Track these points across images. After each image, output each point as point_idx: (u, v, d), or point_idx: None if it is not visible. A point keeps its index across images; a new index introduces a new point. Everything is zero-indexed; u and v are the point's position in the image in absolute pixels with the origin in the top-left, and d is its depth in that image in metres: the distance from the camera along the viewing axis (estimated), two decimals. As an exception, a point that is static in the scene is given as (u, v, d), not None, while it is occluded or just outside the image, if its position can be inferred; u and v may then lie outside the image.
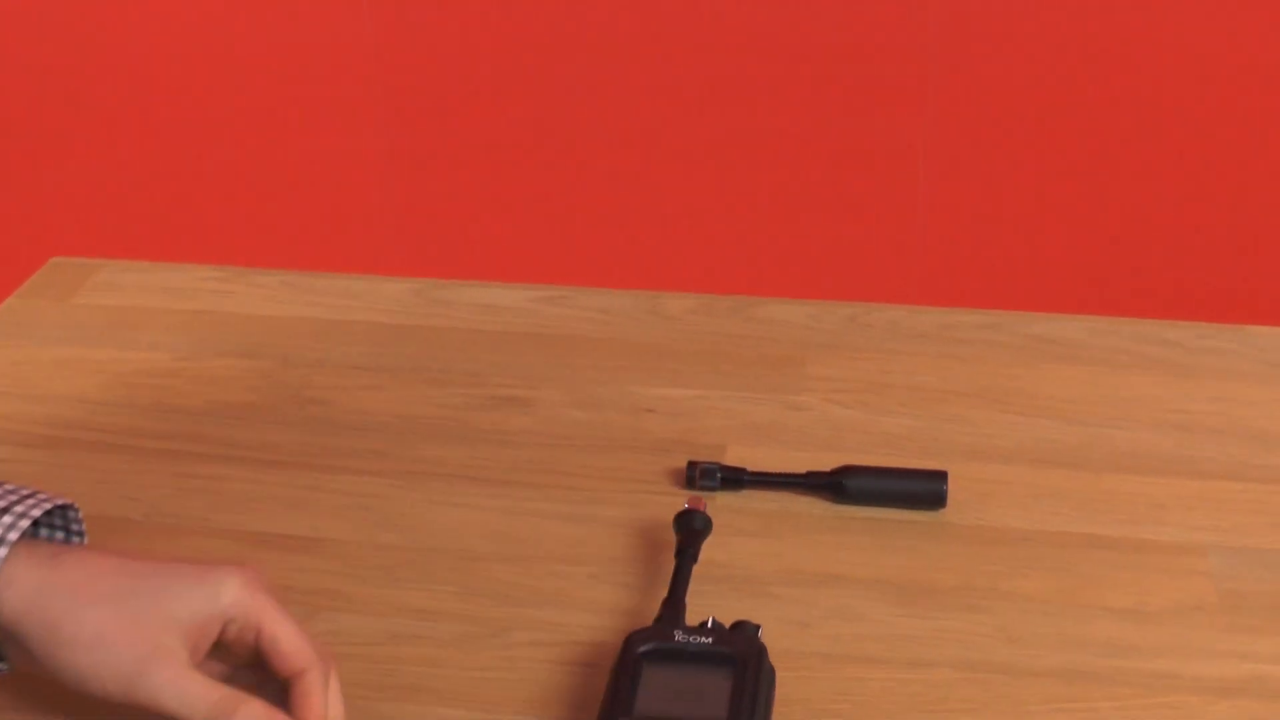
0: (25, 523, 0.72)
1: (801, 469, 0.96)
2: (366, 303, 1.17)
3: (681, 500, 0.90)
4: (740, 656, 0.76)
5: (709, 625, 0.78)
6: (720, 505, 0.93)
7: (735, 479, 0.94)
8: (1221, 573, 0.88)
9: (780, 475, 0.95)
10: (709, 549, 0.88)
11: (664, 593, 0.83)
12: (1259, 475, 0.96)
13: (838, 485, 0.93)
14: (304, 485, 0.96)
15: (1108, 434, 1.00)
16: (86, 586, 0.72)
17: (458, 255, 1.24)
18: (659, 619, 0.81)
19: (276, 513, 0.94)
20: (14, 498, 0.74)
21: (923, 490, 0.93)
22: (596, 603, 0.86)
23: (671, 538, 0.89)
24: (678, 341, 1.11)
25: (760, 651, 0.78)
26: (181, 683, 0.70)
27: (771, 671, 0.78)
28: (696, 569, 0.86)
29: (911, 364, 1.08)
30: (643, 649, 0.77)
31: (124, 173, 1.24)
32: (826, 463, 0.95)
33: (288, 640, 0.73)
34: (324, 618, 0.86)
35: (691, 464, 0.95)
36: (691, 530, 0.88)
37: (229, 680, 0.73)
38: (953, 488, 0.94)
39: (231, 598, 0.73)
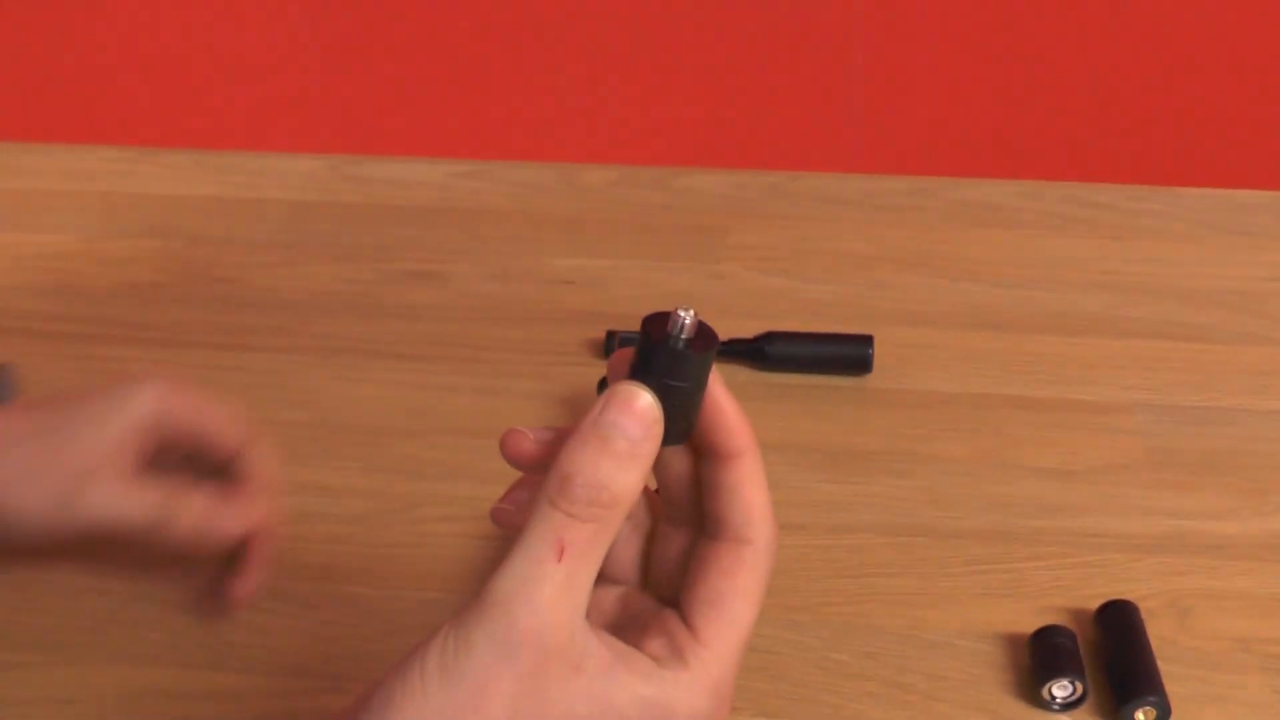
0: None
1: (724, 337, 0.93)
2: (277, 180, 1.14)
3: (601, 370, 0.88)
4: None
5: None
6: (638, 375, 0.90)
7: (653, 348, 0.92)
8: (1149, 430, 0.86)
9: (700, 343, 0.92)
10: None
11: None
12: (1189, 334, 0.94)
13: (760, 352, 0.91)
14: (210, 365, 0.93)
15: (1036, 296, 0.98)
16: (9, 460, 0.67)
17: (373, 132, 1.20)
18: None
19: (180, 392, 0.91)
20: None
21: (848, 355, 0.90)
22: (509, 474, 0.83)
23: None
24: (596, 213, 1.08)
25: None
26: (116, 494, 0.66)
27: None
28: (612, 438, 0.83)
29: (836, 230, 1.05)
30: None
31: (21, 51, 1.19)
32: (749, 330, 0.93)
33: (217, 422, 0.68)
34: (229, 498, 0.83)
35: (610, 333, 0.92)
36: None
37: None
38: (878, 352, 0.92)
39: (148, 404, 0.68)
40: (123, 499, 0.66)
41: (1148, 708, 0.68)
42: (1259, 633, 0.73)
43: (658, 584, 0.52)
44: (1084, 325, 0.95)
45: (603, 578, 0.50)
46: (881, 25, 1.10)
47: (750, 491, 0.49)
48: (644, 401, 0.46)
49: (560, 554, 0.45)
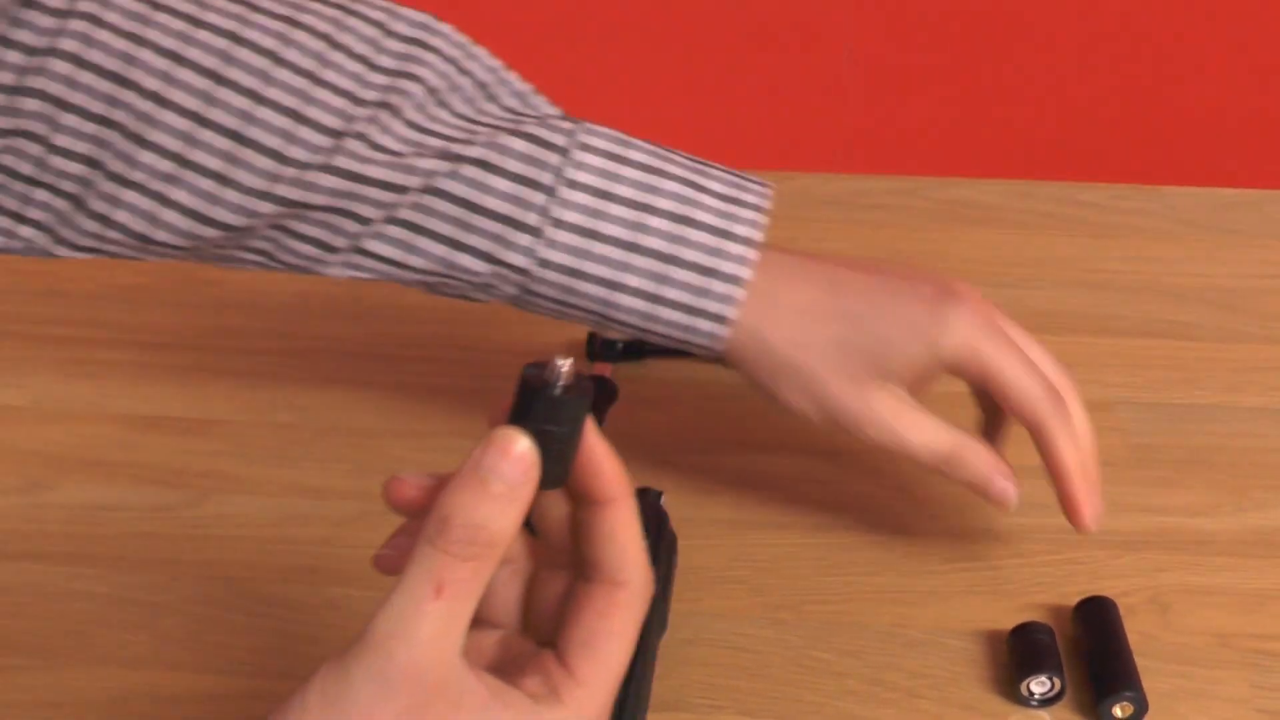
0: (763, 219, 0.70)
1: (708, 338, 0.93)
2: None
3: (584, 371, 0.88)
4: (642, 523, 0.74)
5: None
6: (622, 375, 0.91)
7: (637, 349, 0.92)
8: (1131, 428, 0.86)
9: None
10: (611, 420, 0.87)
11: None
12: (1171, 331, 0.94)
13: (743, 352, 0.91)
14: (195, 367, 0.94)
15: (1021, 294, 0.98)
16: (796, 317, 0.70)
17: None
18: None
19: (167, 395, 0.91)
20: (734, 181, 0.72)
21: (830, 355, 0.91)
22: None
23: (573, 409, 0.87)
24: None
25: (662, 518, 0.76)
26: (906, 418, 0.70)
27: (673, 537, 0.77)
28: (597, 439, 0.84)
29: (822, 230, 1.05)
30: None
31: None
32: (733, 331, 0.93)
33: (1016, 388, 0.69)
34: (216, 499, 0.84)
35: (592, 334, 0.93)
36: (597, 396, 0.86)
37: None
38: (862, 352, 0.92)
39: (953, 348, 0.69)
40: (909, 427, 0.70)
41: (1125, 703, 0.68)
42: (1239, 628, 0.74)
43: (536, 626, 0.53)
44: (1068, 323, 0.95)
45: (482, 621, 0.52)
46: (868, 26, 1.11)
47: (624, 536, 0.51)
48: (521, 446, 0.48)
49: (439, 592, 0.47)
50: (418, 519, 0.51)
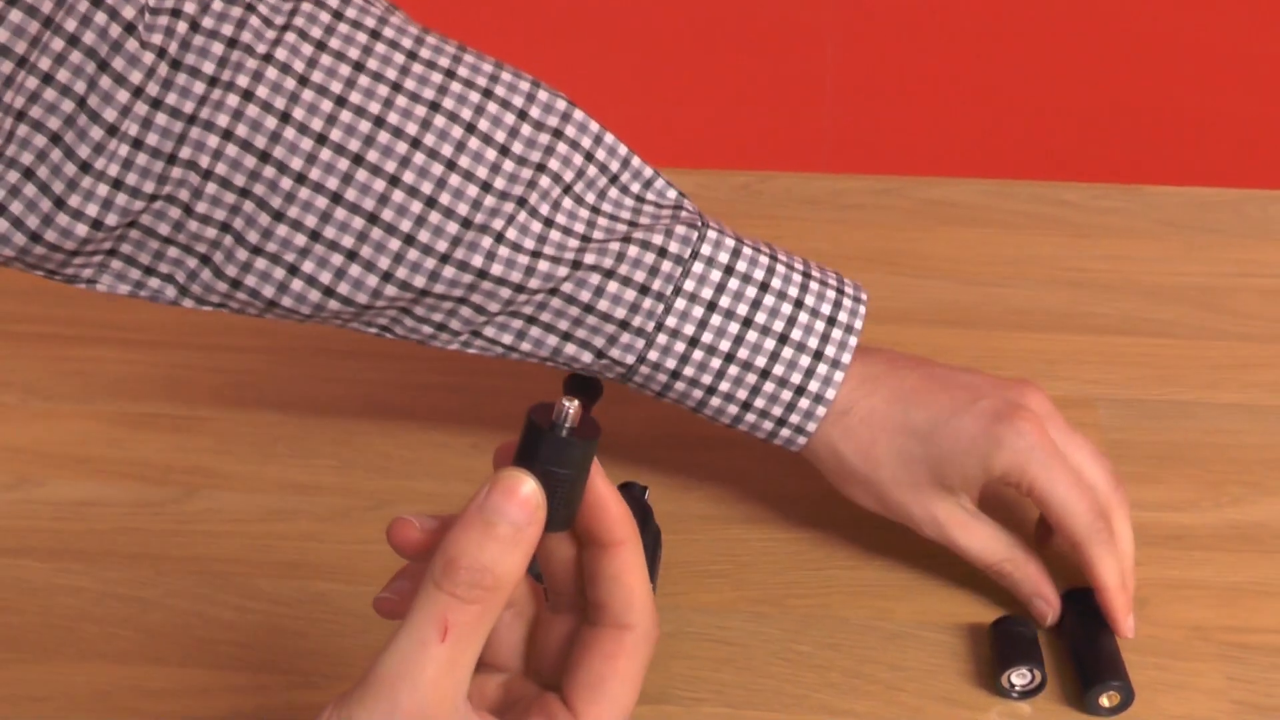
0: (853, 339, 0.74)
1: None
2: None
3: (567, 370, 0.89)
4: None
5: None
6: (606, 373, 0.91)
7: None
8: (1110, 424, 0.87)
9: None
10: (594, 414, 0.87)
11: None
12: (1149, 329, 0.95)
13: (725, 349, 0.92)
14: (184, 365, 0.94)
15: (1001, 293, 0.99)
16: (867, 430, 0.74)
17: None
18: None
19: (153, 393, 0.92)
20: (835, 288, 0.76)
21: (812, 352, 0.91)
22: (478, 471, 0.85)
23: (557, 406, 0.87)
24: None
25: (647, 511, 0.77)
26: (962, 526, 0.74)
27: (658, 531, 0.77)
28: (580, 435, 0.85)
29: (803, 229, 1.06)
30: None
31: None
32: (716, 328, 0.94)
33: (1061, 510, 0.72)
34: (202, 496, 0.84)
35: (578, 333, 0.93)
36: (582, 394, 0.87)
37: None
38: (843, 350, 0.93)
39: (1003, 468, 0.72)
40: (976, 533, 0.74)
41: (1112, 692, 0.69)
42: (1216, 621, 0.75)
43: (540, 670, 0.54)
44: (1048, 321, 0.96)
45: (486, 665, 0.53)
46: (849, 28, 1.12)
47: (631, 579, 0.51)
48: (528, 488, 0.48)
49: (444, 635, 0.47)
50: (418, 563, 0.51)
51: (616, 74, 1.15)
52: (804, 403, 0.73)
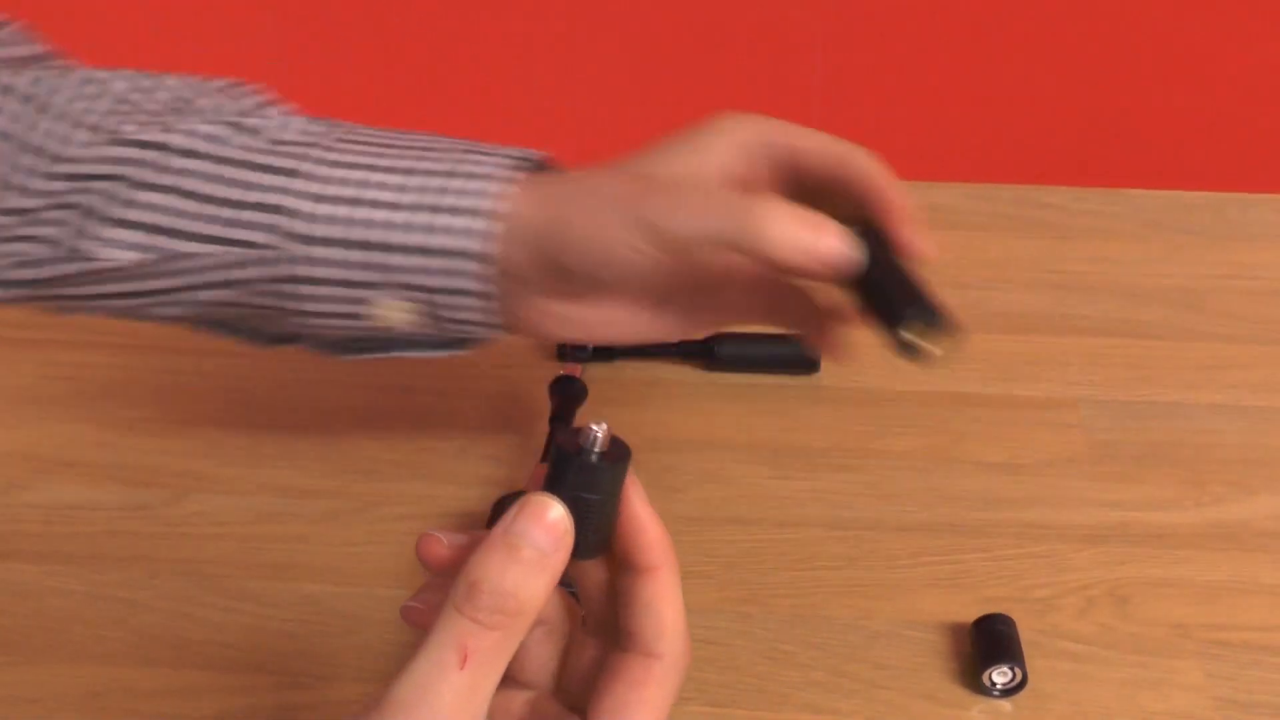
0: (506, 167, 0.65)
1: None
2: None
3: (552, 373, 0.89)
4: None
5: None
6: (591, 376, 0.92)
7: (606, 350, 0.93)
8: (1092, 425, 0.88)
9: (651, 344, 0.94)
10: (580, 419, 0.88)
11: (533, 463, 0.83)
12: (1131, 330, 0.96)
13: (710, 352, 0.92)
14: (172, 369, 0.95)
15: (984, 295, 1.00)
16: (585, 197, 0.63)
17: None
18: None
19: (143, 397, 0.92)
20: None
21: (796, 354, 0.92)
22: (465, 474, 0.85)
23: (543, 409, 0.88)
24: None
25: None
26: (696, 205, 0.61)
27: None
28: (567, 438, 0.85)
29: (789, 233, 1.07)
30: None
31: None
32: (702, 331, 0.95)
33: (818, 138, 0.64)
34: (192, 499, 0.85)
35: (564, 337, 0.94)
36: (566, 396, 0.87)
37: None
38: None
39: (747, 128, 0.65)
40: (704, 209, 0.61)
41: (917, 322, 0.61)
42: (1197, 619, 0.75)
43: (569, 691, 0.52)
44: (1030, 323, 0.97)
45: (512, 680, 0.52)
46: (834, 33, 1.12)
47: (664, 606, 0.50)
48: (555, 513, 0.47)
49: (464, 661, 0.45)
50: (448, 577, 0.49)
51: (606, 82, 1.16)
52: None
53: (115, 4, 1.18)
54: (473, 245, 0.63)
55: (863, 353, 0.94)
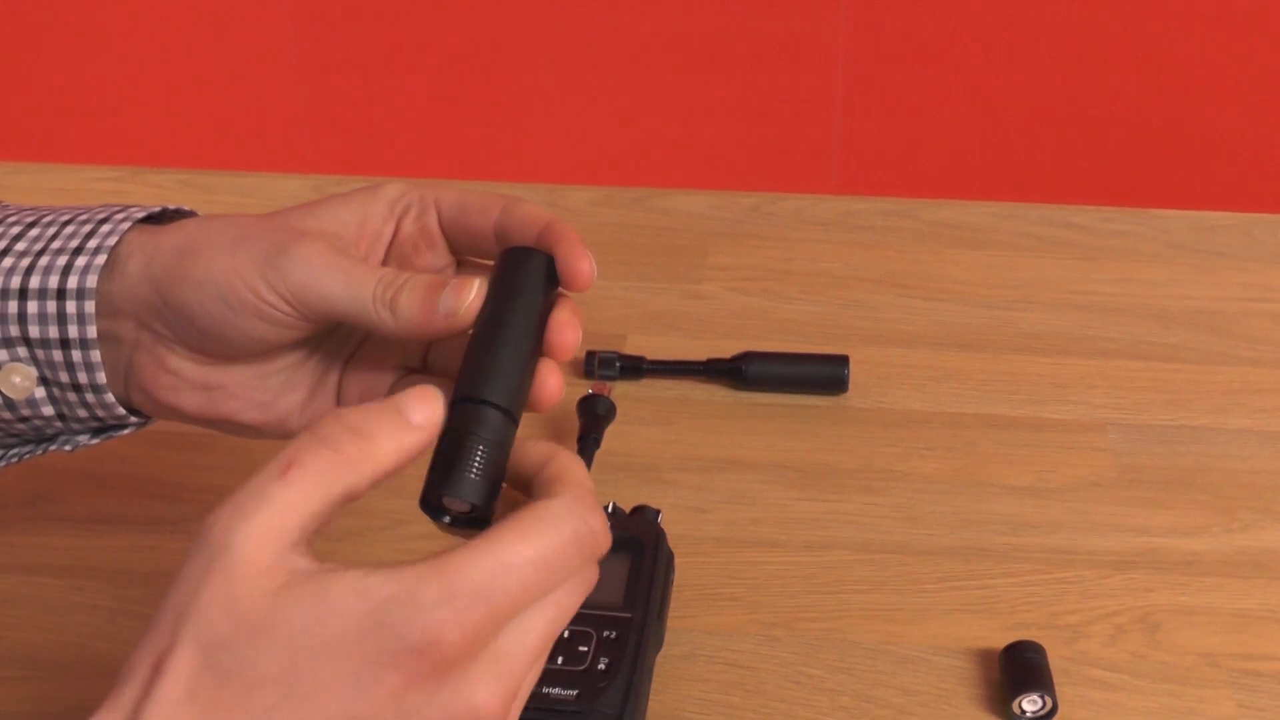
0: (138, 212, 0.62)
1: (702, 357, 0.95)
2: (262, 200, 1.15)
3: (581, 390, 0.89)
4: (640, 540, 0.75)
5: (610, 510, 0.77)
6: (620, 394, 0.92)
7: (635, 367, 0.93)
8: (1120, 449, 0.87)
9: (680, 363, 0.94)
10: (608, 438, 0.88)
11: (559, 481, 0.82)
12: (1158, 353, 0.95)
13: (738, 371, 0.92)
14: (195, 383, 0.94)
15: (1010, 316, 0.99)
16: (218, 230, 0.60)
17: (358, 152, 1.21)
18: (553, 505, 0.80)
19: (166, 411, 0.92)
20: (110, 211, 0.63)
21: (824, 374, 0.92)
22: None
23: (572, 427, 0.88)
24: (579, 232, 1.09)
25: (659, 535, 0.77)
26: (322, 260, 0.57)
27: (670, 555, 0.78)
28: (596, 457, 0.85)
29: (814, 251, 1.07)
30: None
31: (7, 72, 1.20)
32: (727, 350, 0.95)
33: (474, 198, 0.61)
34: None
35: (590, 353, 0.93)
36: (594, 415, 0.87)
37: None
38: (854, 372, 0.93)
39: (394, 192, 0.62)
40: (329, 267, 0.57)
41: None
42: (1226, 648, 0.75)
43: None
44: (1057, 345, 0.96)
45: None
46: (860, 48, 1.12)
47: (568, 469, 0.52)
48: (435, 408, 0.51)
49: (286, 469, 0.47)
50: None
51: (625, 95, 1.16)
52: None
53: (119, 4, 1.18)
54: (87, 282, 0.60)
55: (889, 373, 0.94)
